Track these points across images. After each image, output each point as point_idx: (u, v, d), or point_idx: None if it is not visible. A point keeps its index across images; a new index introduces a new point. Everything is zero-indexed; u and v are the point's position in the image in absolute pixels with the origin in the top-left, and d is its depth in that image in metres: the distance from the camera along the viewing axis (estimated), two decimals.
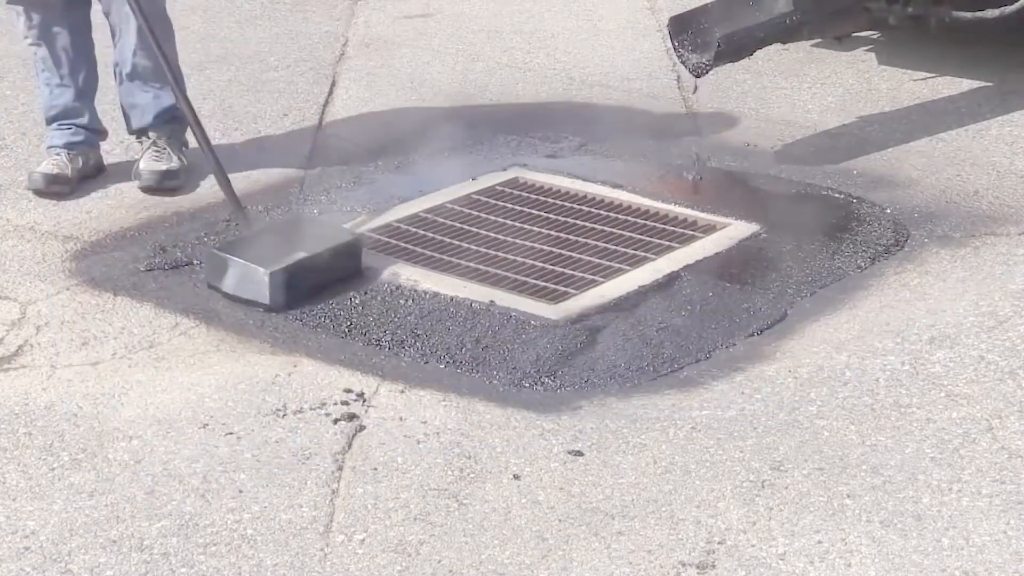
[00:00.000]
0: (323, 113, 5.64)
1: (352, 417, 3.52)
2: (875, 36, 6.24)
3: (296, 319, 4.00)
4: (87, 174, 4.94)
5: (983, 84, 5.68)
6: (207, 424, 3.51)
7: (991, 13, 5.23)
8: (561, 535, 3.07)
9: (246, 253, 4.11)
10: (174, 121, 4.91)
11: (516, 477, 3.27)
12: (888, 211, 4.58)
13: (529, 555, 3.01)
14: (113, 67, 4.93)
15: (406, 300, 4.06)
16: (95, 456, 3.39)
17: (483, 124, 5.43)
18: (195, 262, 4.32)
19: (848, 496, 3.16)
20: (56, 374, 3.77)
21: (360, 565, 3.00)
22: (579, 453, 3.35)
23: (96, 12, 4.93)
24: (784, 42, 5.32)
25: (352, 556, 3.02)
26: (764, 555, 2.98)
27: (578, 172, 4.95)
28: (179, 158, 4.88)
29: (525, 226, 4.54)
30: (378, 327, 3.94)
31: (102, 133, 5.06)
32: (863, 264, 4.25)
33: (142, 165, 4.87)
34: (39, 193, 4.82)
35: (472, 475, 3.28)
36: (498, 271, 4.24)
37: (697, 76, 4.91)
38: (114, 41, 4.91)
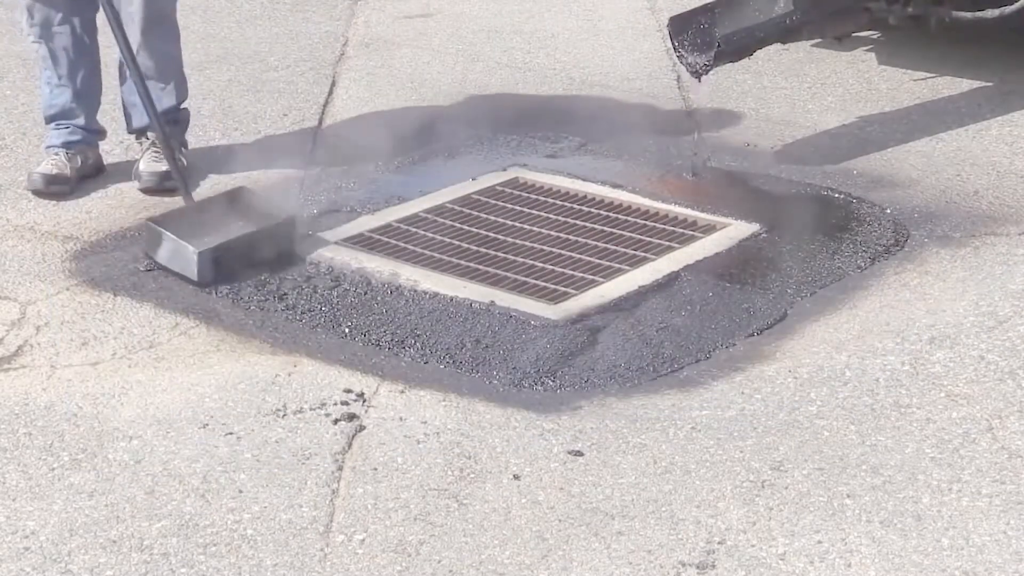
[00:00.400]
0: (323, 113, 5.64)
1: (352, 417, 3.52)
2: (875, 36, 6.24)
3: (296, 319, 4.00)
4: (86, 173, 4.94)
5: (983, 84, 5.68)
6: (207, 424, 3.51)
7: (991, 13, 5.23)
8: (561, 535, 3.07)
9: (180, 228, 4.25)
10: (174, 123, 4.91)
11: (516, 477, 3.27)
12: (888, 211, 4.58)
13: (529, 555, 3.01)
14: (118, 65, 4.94)
15: (406, 300, 4.07)
16: (95, 456, 3.39)
17: (483, 124, 5.43)
18: None
19: (848, 496, 3.16)
20: (56, 374, 3.76)
21: (360, 565, 3.00)
22: (579, 453, 3.35)
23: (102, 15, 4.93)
24: (784, 42, 5.32)
25: (352, 556, 3.02)
26: (764, 555, 2.98)
27: (578, 172, 4.95)
28: (179, 159, 4.88)
29: (525, 226, 4.54)
30: (378, 327, 3.94)
31: (100, 133, 5.06)
32: (863, 264, 4.25)
33: (142, 166, 4.87)
34: (38, 194, 4.83)
35: (472, 475, 3.28)
36: (498, 271, 4.24)
37: (697, 76, 4.91)
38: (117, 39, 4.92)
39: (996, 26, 5.37)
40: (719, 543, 3.02)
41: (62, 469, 3.34)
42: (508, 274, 4.22)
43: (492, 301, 4.02)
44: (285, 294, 4.12)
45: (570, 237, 4.45)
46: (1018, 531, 3.03)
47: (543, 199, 4.75)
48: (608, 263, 4.27)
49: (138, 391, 3.67)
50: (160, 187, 4.81)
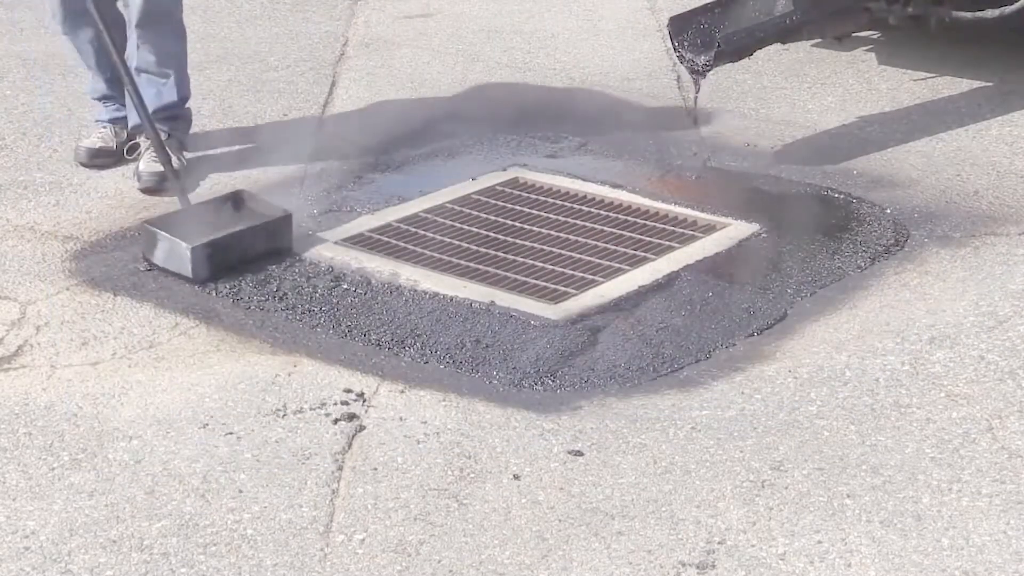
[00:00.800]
0: (323, 113, 5.64)
1: (352, 417, 3.52)
2: (875, 36, 6.24)
3: (296, 319, 4.00)
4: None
5: (983, 84, 5.68)
6: (207, 424, 3.51)
7: (991, 13, 5.23)
8: (561, 535, 3.07)
9: (174, 228, 4.28)
10: (174, 119, 4.92)
11: (516, 477, 3.27)
12: (888, 211, 4.58)
13: (529, 555, 3.01)
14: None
15: (406, 300, 4.07)
16: (95, 456, 3.39)
17: (483, 124, 5.43)
18: None
19: (848, 496, 3.16)
20: (56, 374, 3.76)
21: (360, 565, 3.00)
22: (579, 453, 3.35)
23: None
24: (784, 42, 5.32)
25: (352, 556, 3.02)
26: (764, 555, 2.98)
27: (578, 172, 4.95)
28: (179, 159, 4.88)
29: (525, 226, 4.54)
30: (378, 327, 3.94)
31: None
32: (863, 264, 4.25)
33: (141, 166, 4.88)
34: (84, 165, 5.05)
35: (472, 475, 3.28)
36: (498, 271, 4.24)
37: (697, 76, 4.91)
38: (127, 33, 4.95)
39: (996, 26, 5.37)
40: (719, 543, 3.02)
41: (62, 469, 3.34)
42: (508, 274, 4.22)
43: (492, 301, 4.02)
44: (285, 294, 4.12)
45: (570, 237, 4.45)
46: (1018, 531, 3.03)
47: (543, 199, 4.75)
48: (608, 263, 4.27)
49: (138, 391, 3.67)
50: (160, 187, 4.82)
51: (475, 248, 4.39)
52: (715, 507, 3.14)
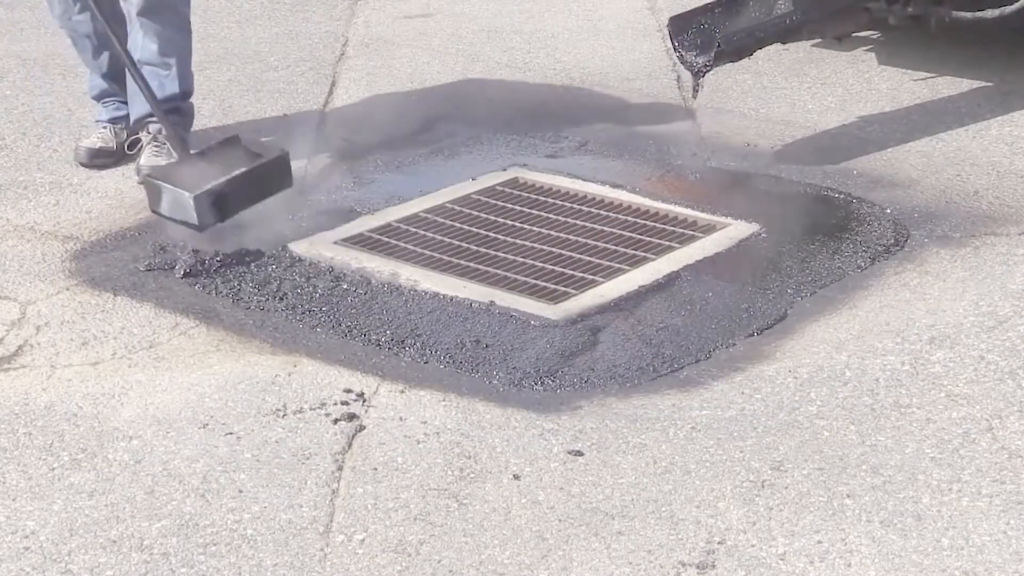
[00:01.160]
0: (323, 113, 5.64)
1: (352, 417, 3.52)
2: (875, 36, 6.24)
3: (296, 319, 4.00)
4: (134, 144, 5.12)
5: (983, 84, 5.68)
6: (207, 424, 3.51)
7: (991, 13, 5.23)
8: (561, 535, 3.07)
9: (176, 178, 4.31)
10: (175, 113, 4.90)
11: (516, 477, 3.27)
12: (888, 211, 4.58)
13: (529, 555, 3.01)
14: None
15: (406, 300, 4.07)
16: (95, 456, 3.39)
17: (483, 124, 5.43)
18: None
19: (848, 496, 3.16)
20: (56, 374, 3.77)
21: (360, 565, 3.00)
22: (579, 453, 3.35)
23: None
24: (784, 42, 5.32)
25: (352, 556, 3.02)
26: (764, 555, 2.98)
27: (578, 172, 4.95)
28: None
29: (525, 226, 4.54)
30: (378, 327, 3.94)
31: None
32: (863, 264, 4.25)
33: (142, 160, 4.89)
34: (84, 165, 5.06)
35: (472, 475, 3.28)
36: (498, 271, 4.24)
37: (697, 76, 4.91)
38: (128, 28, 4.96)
39: (996, 26, 5.37)
40: (719, 543, 3.02)
41: (62, 469, 3.34)
42: (508, 274, 4.22)
43: (492, 301, 4.02)
44: (285, 294, 4.12)
45: (570, 237, 4.45)
46: (1018, 531, 3.03)
47: (543, 199, 4.75)
48: (608, 263, 4.27)
49: (138, 391, 3.67)
50: None
51: (475, 248, 4.39)
52: (715, 507, 3.14)
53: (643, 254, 4.32)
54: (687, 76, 5.11)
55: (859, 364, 3.70)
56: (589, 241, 4.42)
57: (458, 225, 4.55)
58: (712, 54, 4.83)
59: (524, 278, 4.19)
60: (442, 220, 4.59)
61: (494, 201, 4.74)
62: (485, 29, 6.71)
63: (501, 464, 3.32)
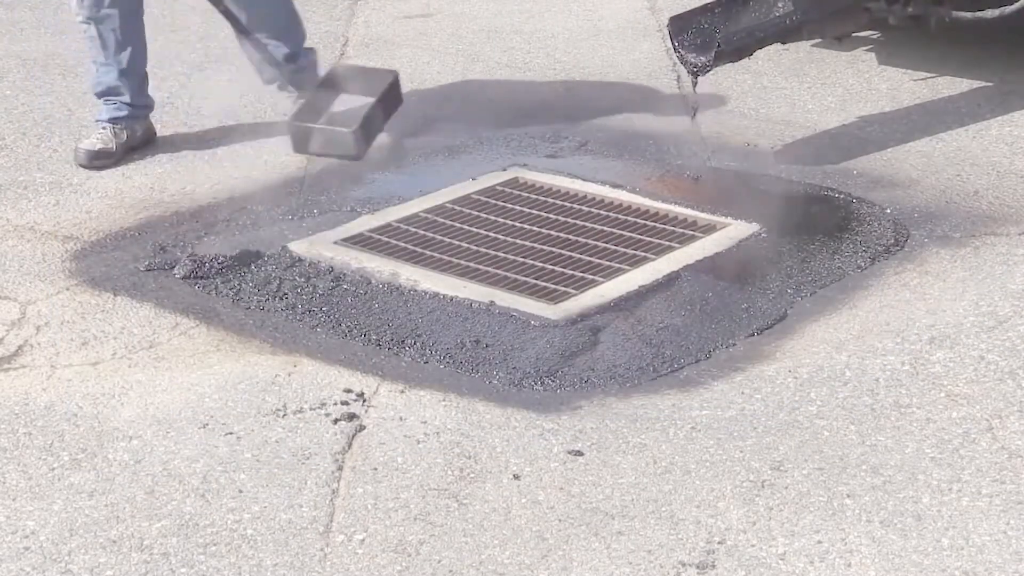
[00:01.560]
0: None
1: (352, 417, 3.52)
2: (875, 36, 6.24)
3: (296, 319, 4.00)
4: (134, 145, 5.18)
5: (983, 84, 5.68)
6: (207, 424, 3.51)
7: (991, 13, 5.23)
8: (561, 535, 3.07)
9: (323, 118, 4.53)
10: (294, 66, 5.11)
11: (516, 477, 3.27)
12: (888, 211, 4.58)
13: (529, 555, 3.01)
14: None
15: (406, 300, 4.07)
16: (95, 456, 3.39)
17: (483, 124, 5.43)
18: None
19: (848, 496, 3.16)
20: (56, 374, 3.77)
21: (360, 565, 3.00)
22: (579, 453, 3.35)
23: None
24: (784, 42, 5.32)
25: (352, 556, 3.02)
26: (764, 555, 2.98)
27: (578, 172, 4.95)
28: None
29: (525, 226, 4.54)
30: (378, 327, 3.94)
31: (148, 107, 5.25)
32: (863, 264, 4.25)
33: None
34: (84, 166, 5.06)
35: (472, 475, 3.28)
36: (498, 271, 4.24)
37: (697, 76, 4.91)
38: None
39: (996, 26, 5.37)
40: (719, 543, 3.02)
41: (62, 469, 3.34)
42: (508, 274, 4.22)
43: (492, 301, 4.02)
44: (285, 294, 4.12)
45: (570, 237, 4.45)
46: (1018, 531, 3.03)
47: (543, 199, 4.75)
48: (608, 263, 4.27)
49: (138, 391, 3.67)
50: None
51: (475, 248, 4.39)
52: (715, 507, 3.14)
53: (643, 254, 4.32)
54: (687, 76, 5.10)
55: (859, 364, 3.70)
56: (589, 241, 4.42)
57: (458, 225, 4.55)
58: (712, 54, 4.83)
59: (524, 278, 4.19)
60: (442, 220, 4.58)
61: (494, 201, 4.74)
62: (485, 29, 6.71)
63: (501, 464, 3.32)
